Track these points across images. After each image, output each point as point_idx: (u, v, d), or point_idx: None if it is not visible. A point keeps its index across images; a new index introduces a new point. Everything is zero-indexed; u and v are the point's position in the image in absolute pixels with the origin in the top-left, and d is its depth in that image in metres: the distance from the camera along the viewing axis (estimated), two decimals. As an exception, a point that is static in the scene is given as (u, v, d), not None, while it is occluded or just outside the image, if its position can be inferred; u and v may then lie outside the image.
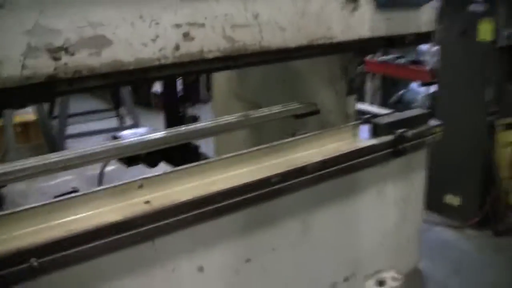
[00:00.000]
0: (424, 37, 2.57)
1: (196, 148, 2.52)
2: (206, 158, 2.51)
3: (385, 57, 5.03)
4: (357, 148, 2.28)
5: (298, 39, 2.02)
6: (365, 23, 2.24)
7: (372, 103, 5.37)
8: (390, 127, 2.42)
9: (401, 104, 5.02)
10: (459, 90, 4.03)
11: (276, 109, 2.64)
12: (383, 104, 5.25)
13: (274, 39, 1.95)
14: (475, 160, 4.56)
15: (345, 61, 2.64)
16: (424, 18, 2.50)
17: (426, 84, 4.54)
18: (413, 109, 3.89)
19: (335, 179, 2.22)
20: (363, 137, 2.40)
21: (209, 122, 2.47)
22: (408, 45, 2.51)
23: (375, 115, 2.75)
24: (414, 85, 4.99)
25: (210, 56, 1.81)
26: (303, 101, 2.76)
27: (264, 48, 1.93)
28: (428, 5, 2.48)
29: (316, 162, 2.11)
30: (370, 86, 5.37)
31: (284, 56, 2.06)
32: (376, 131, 2.41)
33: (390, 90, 5.32)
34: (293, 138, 2.24)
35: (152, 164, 2.60)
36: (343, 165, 2.20)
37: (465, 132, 4.41)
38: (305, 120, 2.75)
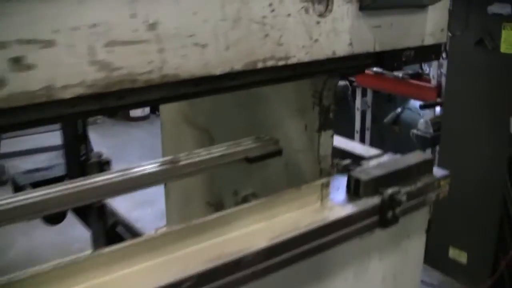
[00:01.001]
0: (430, 53, 1.81)
1: (103, 207, 1.77)
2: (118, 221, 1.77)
3: (378, 68, 4.19)
4: (326, 221, 1.53)
5: (229, 62, 1.27)
6: (341, 34, 1.49)
7: (362, 124, 4.56)
8: (377, 184, 1.68)
9: (397, 126, 4.21)
10: (472, 115, 3.01)
11: (218, 150, 1.89)
12: (375, 123, 4.42)
13: (186, 63, 1.20)
14: (488, 205, 3.46)
15: (317, 85, 1.89)
16: (430, 25, 1.74)
17: (428, 105, 3.63)
18: (415, 131, 3.13)
19: (290, 266, 1.48)
20: (337, 200, 1.65)
21: (118, 174, 1.72)
22: (407, 63, 1.76)
23: (358, 159, 2.00)
24: (415, 103, 4.13)
25: (66, 95, 1.07)
26: (261, 136, 2.01)
27: (168, 77, 1.19)
28: (437, 6, 1.73)
29: (257, 252, 1.36)
30: (359, 102, 4.53)
31: (206, 88, 1.31)
32: (356, 190, 1.67)
33: (385, 107, 4.47)
34: (225, 212, 1.49)
35: (54, 221, 1.88)
36: (302, 248, 1.47)
37: (478, 170, 3.35)
38: (264, 164, 2.00)
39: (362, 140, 4.52)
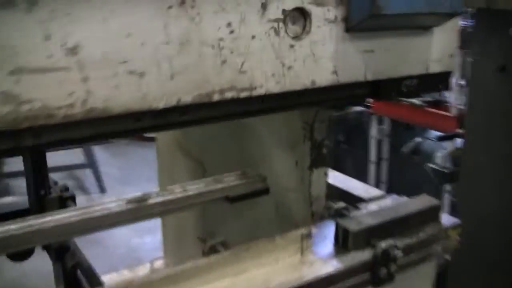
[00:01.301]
0: (437, 82, 1.56)
1: (61, 247, 1.57)
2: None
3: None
4: (303, 280, 1.29)
5: (174, 93, 1.06)
6: (322, 60, 1.26)
7: (378, 153, 4.25)
8: (369, 236, 1.43)
9: (417, 156, 3.90)
10: (496, 149, 2.61)
11: (195, 187, 1.67)
12: (393, 153, 4.16)
13: (118, 95, 1.00)
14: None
15: (308, 117, 1.67)
16: (436, 50, 1.50)
17: (446, 137, 3.27)
18: (431, 164, 2.81)
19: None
20: (321, 253, 1.41)
21: (78, 212, 1.52)
22: (408, 94, 1.52)
23: (356, 200, 1.75)
24: (435, 132, 3.82)
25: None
26: (247, 172, 1.79)
27: (95, 112, 0.98)
28: (444, 28, 1.48)
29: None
30: (375, 130, 4.21)
31: (150, 124, 1.10)
32: (345, 242, 1.42)
33: (403, 135, 4.15)
34: (184, 266, 1.27)
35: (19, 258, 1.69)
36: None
37: (502, 212, 2.67)
38: (253, 203, 1.78)
39: (378, 171, 4.27)
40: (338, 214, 1.59)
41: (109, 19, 0.96)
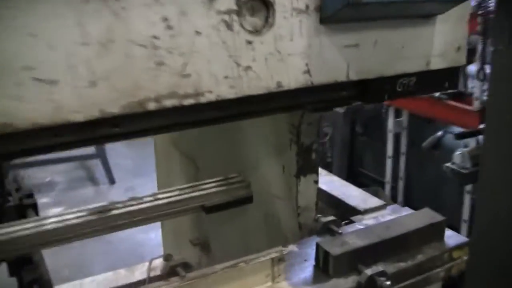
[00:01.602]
0: (441, 80, 1.34)
1: (19, 261, 1.44)
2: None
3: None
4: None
5: (97, 104, 0.89)
6: (290, 58, 1.06)
7: (396, 147, 3.91)
8: (354, 260, 1.23)
9: (437, 151, 3.55)
10: None
11: (167, 195, 1.51)
12: (412, 148, 3.87)
13: (23, 107, 0.83)
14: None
15: (294, 119, 1.47)
16: (439, 42, 1.27)
17: (465, 134, 2.86)
18: (449, 164, 2.52)
19: None
20: (296, 280, 1.23)
21: (34, 224, 1.38)
22: (405, 94, 1.29)
23: (351, 212, 1.56)
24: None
25: None
26: (231, 177, 1.61)
27: (-7, 128, 0.82)
28: (449, 15, 1.25)
29: None
30: (392, 124, 3.87)
31: (70, 139, 0.93)
32: (325, 267, 1.23)
33: (423, 129, 3.71)
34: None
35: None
36: None
37: None
38: (242, 210, 1.61)
39: (396, 167, 3.93)
40: (325, 229, 1.41)
41: (4, 15, 0.79)
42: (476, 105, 3.09)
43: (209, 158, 1.97)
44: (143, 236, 3.79)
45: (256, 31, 1.01)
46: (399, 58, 1.22)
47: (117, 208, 1.43)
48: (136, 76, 0.91)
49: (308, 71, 1.09)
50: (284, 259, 1.22)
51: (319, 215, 1.46)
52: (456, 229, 1.75)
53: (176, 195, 1.52)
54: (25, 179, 5.21)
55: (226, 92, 1.00)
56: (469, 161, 2.16)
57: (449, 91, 3.41)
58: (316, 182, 1.52)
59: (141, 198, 1.50)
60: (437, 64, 1.28)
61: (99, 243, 3.57)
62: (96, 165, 5.48)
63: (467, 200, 3.40)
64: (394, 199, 4.02)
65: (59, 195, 5.05)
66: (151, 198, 1.49)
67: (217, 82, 0.98)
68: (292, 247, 1.34)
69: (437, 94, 3.32)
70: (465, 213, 3.44)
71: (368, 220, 1.47)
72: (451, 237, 1.38)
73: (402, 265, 1.26)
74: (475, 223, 1.38)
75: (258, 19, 1.01)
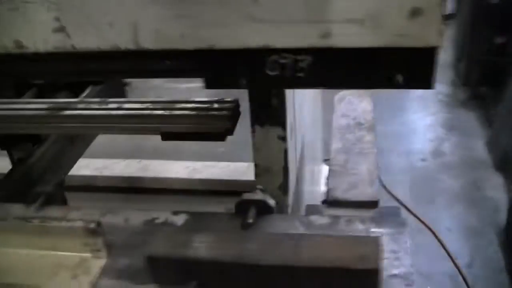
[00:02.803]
0: (376, 68, 0.75)
1: None
2: None
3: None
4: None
5: None
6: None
7: None
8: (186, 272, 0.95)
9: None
10: None
11: (130, 106, 1.35)
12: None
13: None
14: None
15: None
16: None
17: None
18: None
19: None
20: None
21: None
22: (287, 82, 0.78)
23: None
24: None
25: None
26: (221, 101, 1.32)
27: None
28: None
29: None
30: None
31: None
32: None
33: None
34: None
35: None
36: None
37: None
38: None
39: None
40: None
41: None
42: None
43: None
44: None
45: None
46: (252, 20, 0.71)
47: (70, 109, 1.36)
48: None
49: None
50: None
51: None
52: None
53: (141, 109, 1.34)
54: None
55: None
56: None
57: None
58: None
59: (106, 102, 1.38)
60: (352, 38, 0.71)
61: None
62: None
63: None
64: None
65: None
66: (115, 106, 1.35)
67: None
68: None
69: None
70: None
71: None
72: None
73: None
74: None
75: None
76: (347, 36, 0.71)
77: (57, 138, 1.67)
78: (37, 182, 1.57)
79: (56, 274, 1.03)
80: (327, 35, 0.71)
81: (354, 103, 1.51)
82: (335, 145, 1.31)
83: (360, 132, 1.37)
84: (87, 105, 1.40)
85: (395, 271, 0.95)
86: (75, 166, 3.22)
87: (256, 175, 1.24)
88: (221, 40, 0.74)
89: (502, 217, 2.41)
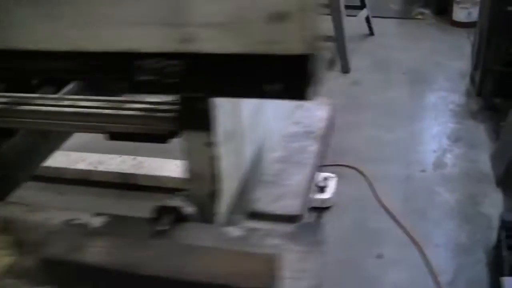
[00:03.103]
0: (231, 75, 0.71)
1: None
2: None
3: None
4: None
5: None
6: None
7: None
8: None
9: None
10: None
11: (85, 104, 1.33)
12: None
13: None
14: None
15: None
16: None
17: None
18: None
19: None
20: None
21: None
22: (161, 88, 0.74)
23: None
24: None
25: None
26: (168, 103, 1.30)
27: None
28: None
29: None
30: None
31: None
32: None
33: None
34: None
35: None
36: None
37: None
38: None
39: None
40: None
41: None
42: None
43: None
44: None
45: None
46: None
47: (26, 104, 1.35)
48: None
49: None
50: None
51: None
52: None
53: (91, 107, 1.32)
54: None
55: None
56: None
57: None
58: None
59: (62, 99, 1.37)
60: (215, 44, 0.67)
61: None
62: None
63: None
64: None
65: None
66: (69, 103, 1.34)
67: None
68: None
69: None
70: None
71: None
72: None
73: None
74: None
75: None
76: (209, 41, 0.67)
77: (27, 132, 1.68)
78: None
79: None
80: (188, 40, 0.67)
81: (311, 110, 1.45)
82: (276, 153, 1.27)
83: (306, 141, 1.31)
84: (44, 101, 1.39)
85: (296, 291, 0.90)
86: (71, 160, 3.23)
87: (188, 180, 1.21)
88: (86, 42, 0.71)
89: (494, 235, 2.31)
